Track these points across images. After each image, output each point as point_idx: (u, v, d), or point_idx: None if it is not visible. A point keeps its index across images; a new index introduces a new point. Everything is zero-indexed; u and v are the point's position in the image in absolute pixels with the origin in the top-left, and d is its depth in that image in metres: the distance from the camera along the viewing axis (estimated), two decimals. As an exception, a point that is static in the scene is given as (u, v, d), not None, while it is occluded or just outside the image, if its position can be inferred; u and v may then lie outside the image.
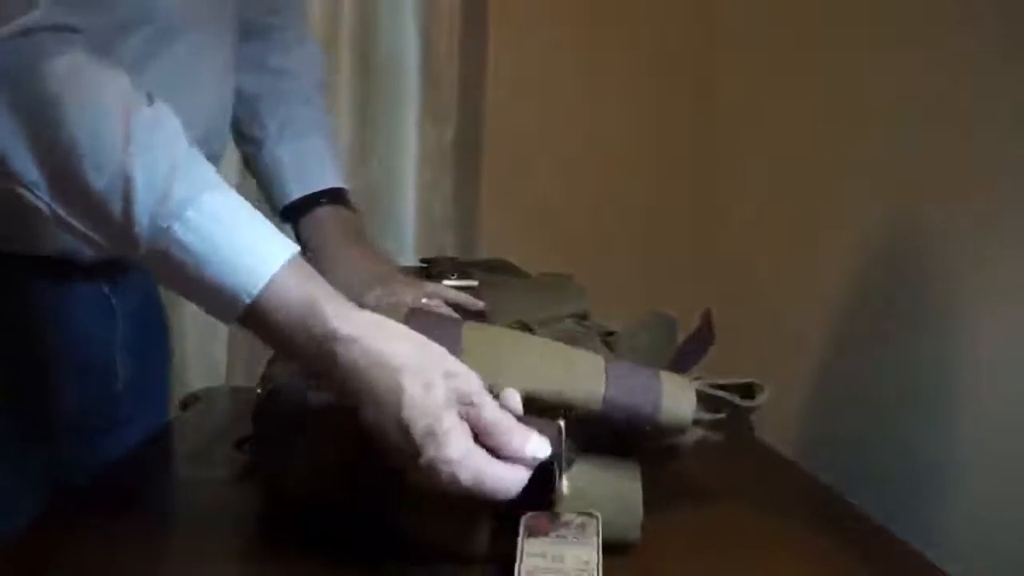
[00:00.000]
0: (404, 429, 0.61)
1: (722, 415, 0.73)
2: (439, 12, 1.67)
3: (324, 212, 1.00)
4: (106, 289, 0.91)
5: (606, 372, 0.70)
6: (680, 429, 0.71)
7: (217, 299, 0.63)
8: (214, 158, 0.89)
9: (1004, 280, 0.82)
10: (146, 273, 1.00)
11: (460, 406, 0.62)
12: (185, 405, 1.17)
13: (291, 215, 1.01)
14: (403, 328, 0.66)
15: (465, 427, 0.62)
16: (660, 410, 0.69)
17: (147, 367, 0.98)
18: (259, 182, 1.05)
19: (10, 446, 0.83)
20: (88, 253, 0.83)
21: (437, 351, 0.65)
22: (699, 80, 1.63)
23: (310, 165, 1.03)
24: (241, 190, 0.69)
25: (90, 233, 0.66)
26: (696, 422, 0.71)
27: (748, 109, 1.49)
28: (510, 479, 0.62)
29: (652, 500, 0.85)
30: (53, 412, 0.87)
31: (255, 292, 0.63)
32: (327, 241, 0.97)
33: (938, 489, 0.89)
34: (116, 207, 0.63)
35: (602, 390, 0.69)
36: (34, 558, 0.67)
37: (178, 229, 0.62)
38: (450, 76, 1.68)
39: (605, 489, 0.70)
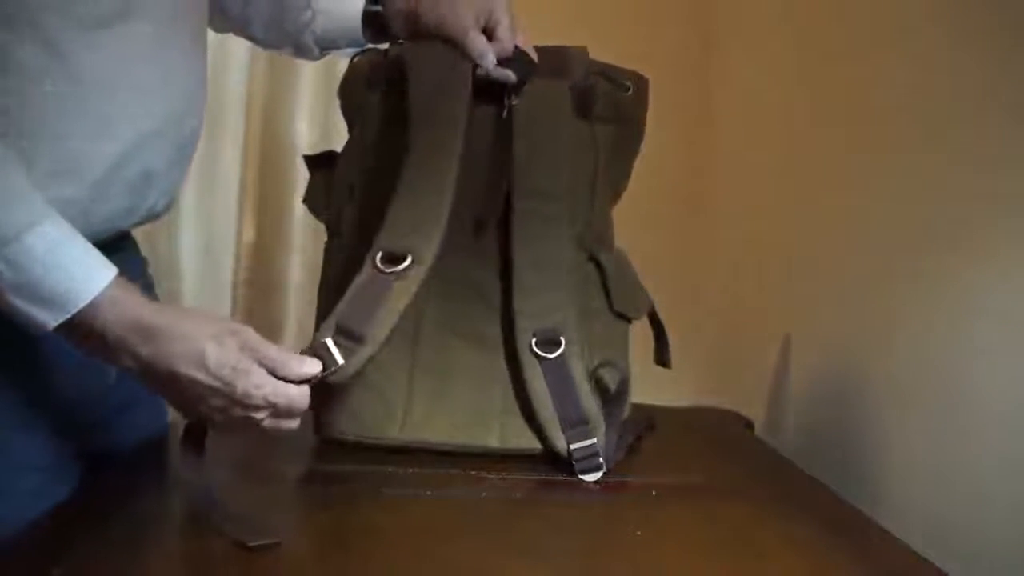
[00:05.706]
0: (214, 375, 0.73)
1: None
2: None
3: None
4: None
5: None
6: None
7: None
8: (192, 135, 0.89)
9: (1004, 280, 0.82)
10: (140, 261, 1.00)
11: (249, 351, 0.75)
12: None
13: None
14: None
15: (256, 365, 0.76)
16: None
17: None
18: None
19: (5, 436, 0.82)
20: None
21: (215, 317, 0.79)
22: (694, 85, 1.63)
23: None
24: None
25: None
26: None
27: (744, 116, 1.50)
28: (297, 395, 0.76)
29: (651, 500, 0.85)
30: (48, 403, 0.86)
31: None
32: None
33: (938, 489, 0.89)
34: None
35: None
36: (34, 558, 0.67)
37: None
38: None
39: None
